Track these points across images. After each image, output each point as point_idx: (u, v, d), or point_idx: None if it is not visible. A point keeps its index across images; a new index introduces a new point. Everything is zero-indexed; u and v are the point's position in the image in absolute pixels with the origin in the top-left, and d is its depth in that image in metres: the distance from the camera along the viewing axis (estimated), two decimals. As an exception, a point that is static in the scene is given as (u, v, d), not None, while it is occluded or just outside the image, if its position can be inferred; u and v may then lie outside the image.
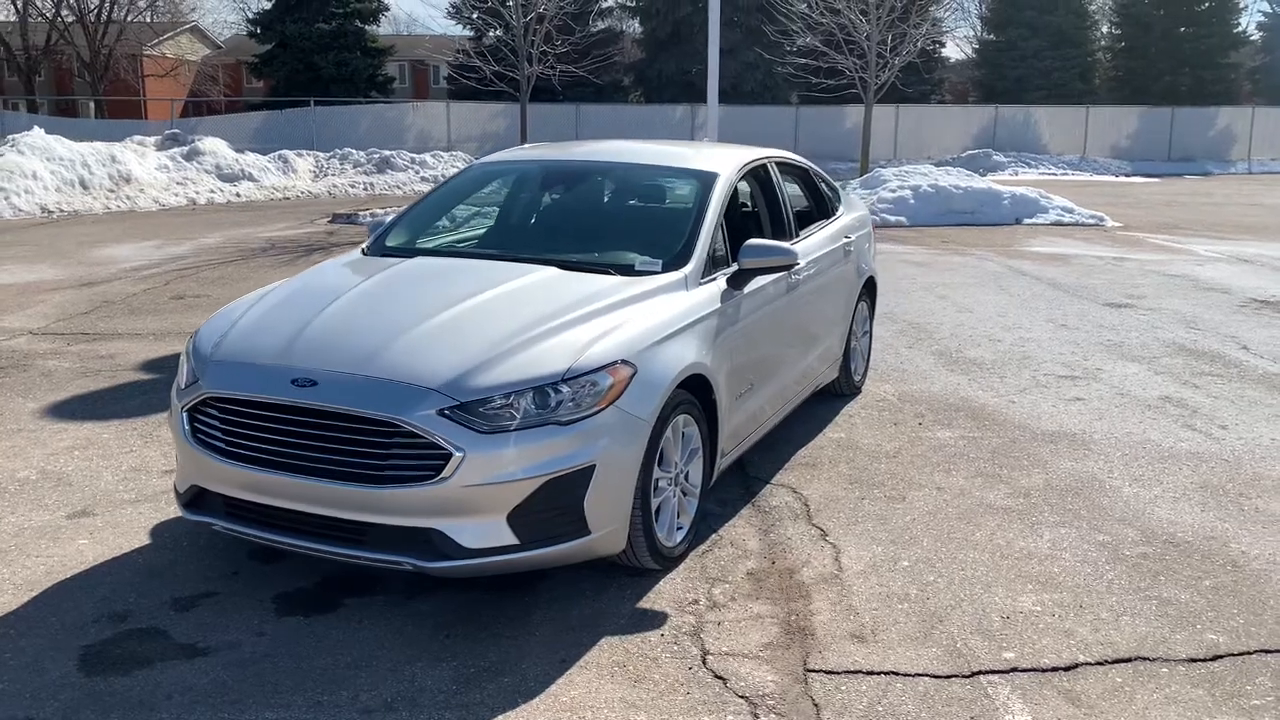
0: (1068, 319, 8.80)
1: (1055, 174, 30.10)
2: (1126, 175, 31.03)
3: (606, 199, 5.19)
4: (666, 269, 4.23)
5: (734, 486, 4.81)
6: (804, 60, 27.05)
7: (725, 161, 5.01)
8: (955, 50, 47.90)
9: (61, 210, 17.13)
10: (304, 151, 23.93)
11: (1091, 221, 16.36)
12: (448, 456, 3.28)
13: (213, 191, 19.86)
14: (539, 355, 3.51)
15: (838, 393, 6.25)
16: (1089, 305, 9.43)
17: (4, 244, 13.14)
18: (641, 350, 3.67)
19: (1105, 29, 44.93)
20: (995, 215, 16.35)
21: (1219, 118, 36.38)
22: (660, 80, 37.34)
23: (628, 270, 4.22)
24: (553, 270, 4.19)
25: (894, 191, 16.71)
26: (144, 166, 19.54)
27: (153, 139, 22.30)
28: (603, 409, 3.47)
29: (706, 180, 4.79)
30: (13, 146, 18.06)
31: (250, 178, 21.01)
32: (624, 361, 3.58)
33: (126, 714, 2.96)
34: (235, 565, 3.92)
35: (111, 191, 18.35)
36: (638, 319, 3.82)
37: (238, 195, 20.17)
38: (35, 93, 41.32)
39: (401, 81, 50.87)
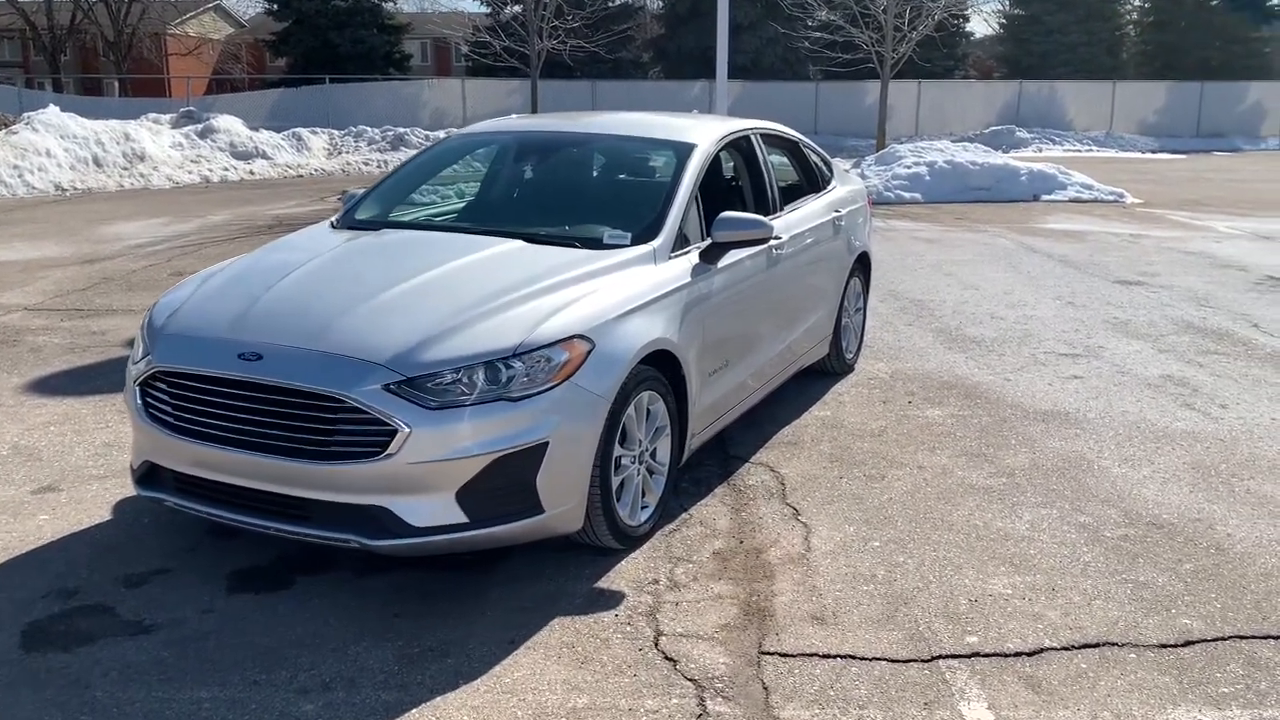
0: (1075, 296, 8.61)
1: (1080, 150, 29.64)
2: (1153, 152, 30.47)
3: (581, 171, 5.08)
4: (635, 242, 4.11)
5: (712, 464, 4.71)
6: (821, 35, 26.71)
7: (705, 133, 4.88)
8: (982, 26, 47.25)
9: (75, 188, 17.18)
10: (318, 129, 23.92)
11: (1111, 198, 16.07)
12: (394, 433, 3.19)
13: (226, 169, 19.88)
14: (492, 329, 3.42)
15: (828, 370, 6.12)
16: (1099, 283, 9.23)
17: (14, 221, 13.18)
18: (600, 325, 3.56)
19: (1135, 3, 44.14)
20: (1012, 192, 16.08)
21: (1250, 93, 35.58)
22: (680, 56, 37.00)
23: (595, 243, 4.11)
24: (518, 243, 4.10)
25: (909, 168, 16.46)
26: (158, 144, 19.59)
27: (167, 117, 22.35)
28: (557, 385, 3.37)
29: (683, 152, 4.66)
30: (28, 124, 18.13)
31: (264, 155, 21.01)
32: (581, 336, 3.48)
33: (60, 691, 2.92)
34: (193, 542, 3.87)
35: (125, 169, 18.40)
36: (600, 293, 3.72)
37: (251, 173, 20.18)
38: (60, 71, 41.56)
39: (423, 59, 50.75)
